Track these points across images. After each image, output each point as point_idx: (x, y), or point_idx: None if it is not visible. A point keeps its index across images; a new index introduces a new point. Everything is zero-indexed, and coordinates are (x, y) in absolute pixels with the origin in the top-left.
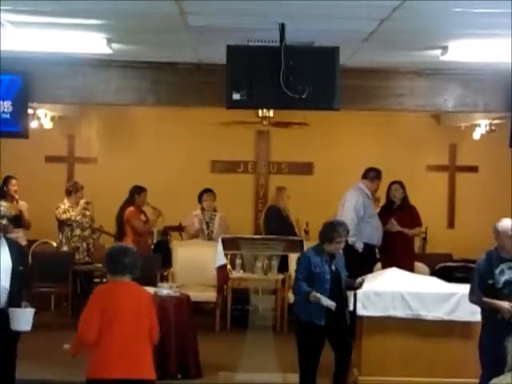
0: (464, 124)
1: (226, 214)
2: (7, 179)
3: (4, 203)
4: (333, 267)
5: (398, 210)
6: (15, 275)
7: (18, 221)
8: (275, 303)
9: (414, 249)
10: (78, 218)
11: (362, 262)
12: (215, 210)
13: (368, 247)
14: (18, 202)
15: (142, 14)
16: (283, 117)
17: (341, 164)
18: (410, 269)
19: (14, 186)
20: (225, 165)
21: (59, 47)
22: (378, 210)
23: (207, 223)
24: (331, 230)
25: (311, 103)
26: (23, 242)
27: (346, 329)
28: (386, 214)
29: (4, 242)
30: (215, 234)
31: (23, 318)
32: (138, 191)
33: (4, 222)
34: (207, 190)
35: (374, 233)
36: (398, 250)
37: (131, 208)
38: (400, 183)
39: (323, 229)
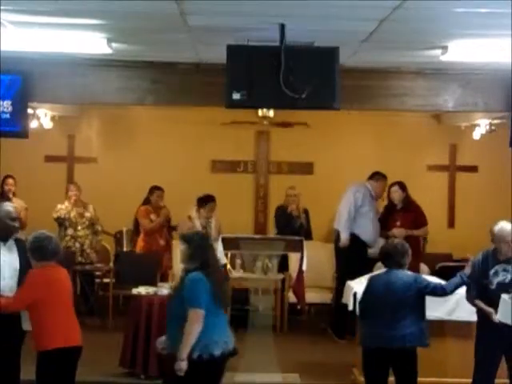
0: (464, 124)
1: (218, 214)
2: (4, 179)
3: (9, 204)
4: None
5: (401, 212)
6: (23, 275)
7: None
8: (275, 303)
9: (420, 249)
10: (68, 216)
11: (350, 255)
12: None
13: (356, 240)
14: (10, 201)
15: (142, 13)
16: (283, 117)
17: (341, 164)
18: (416, 270)
19: (8, 185)
20: (225, 164)
21: (59, 47)
22: (381, 210)
23: (205, 228)
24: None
25: (311, 103)
26: None
27: None
28: (388, 216)
29: (13, 242)
30: (213, 238)
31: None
32: (151, 191)
33: (17, 224)
34: (212, 199)
35: (369, 227)
36: None
37: (142, 207)
38: (399, 184)
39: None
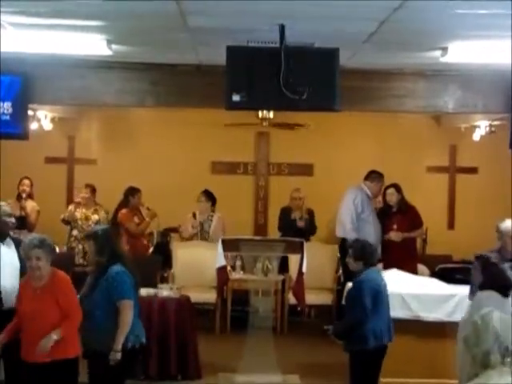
0: (464, 125)
1: (222, 215)
2: (20, 179)
3: (3, 202)
4: None
5: (397, 214)
6: (23, 273)
7: (20, 222)
8: (275, 304)
9: (416, 251)
10: (72, 218)
11: None
12: (213, 211)
13: None
14: (20, 201)
15: (142, 15)
16: (283, 118)
17: (341, 165)
18: (413, 272)
19: (23, 185)
20: (225, 166)
21: (59, 48)
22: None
23: (202, 225)
24: None
25: (311, 104)
26: None
27: None
28: (384, 218)
29: (11, 241)
30: (211, 235)
31: None
32: (132, 193)
33: (13, 220)
34: (202, 192)
35: (371, 232)
36: (399, 253)
37: (123, 210)
38: (395, 186)
39: None
